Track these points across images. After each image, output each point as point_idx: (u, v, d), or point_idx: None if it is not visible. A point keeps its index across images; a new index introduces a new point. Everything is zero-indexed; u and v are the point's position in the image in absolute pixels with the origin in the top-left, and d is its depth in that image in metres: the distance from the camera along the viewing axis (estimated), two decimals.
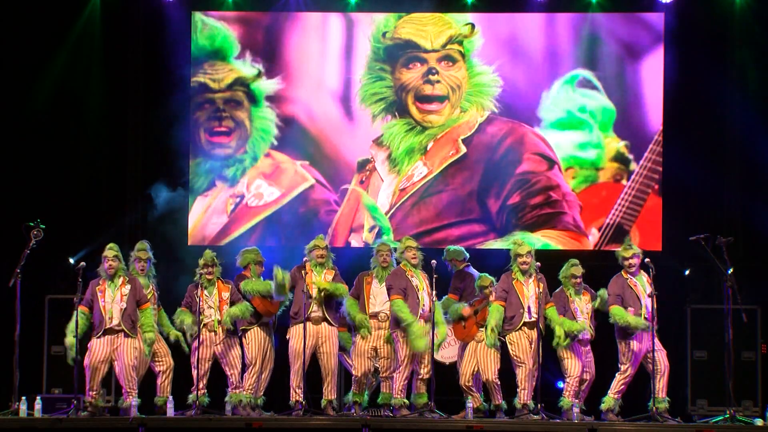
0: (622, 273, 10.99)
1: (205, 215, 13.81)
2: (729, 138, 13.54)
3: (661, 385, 10.79)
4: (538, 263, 10.99)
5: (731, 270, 10.88)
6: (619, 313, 10.75)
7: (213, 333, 11.02)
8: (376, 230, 13.67)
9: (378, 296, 11.15)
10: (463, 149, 13.72)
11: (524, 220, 13.60)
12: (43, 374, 12.45)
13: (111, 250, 10.97)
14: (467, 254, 11.71)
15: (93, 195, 13.54)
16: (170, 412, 10.74)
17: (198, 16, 13.95)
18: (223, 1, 13.91)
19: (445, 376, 11.77)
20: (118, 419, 10.79)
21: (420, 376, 11.03)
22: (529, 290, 10.89)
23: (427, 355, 10.88)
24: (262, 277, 11.32)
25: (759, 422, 10.72)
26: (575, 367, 10.88)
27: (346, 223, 13.74)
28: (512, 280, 10.97)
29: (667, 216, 13.43)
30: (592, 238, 13.58)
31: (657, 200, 13.54)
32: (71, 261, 11.40)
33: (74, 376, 10.90)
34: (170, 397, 10.84)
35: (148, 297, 11.05)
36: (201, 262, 11.08)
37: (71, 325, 10.81)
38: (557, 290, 11.07)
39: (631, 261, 10.94)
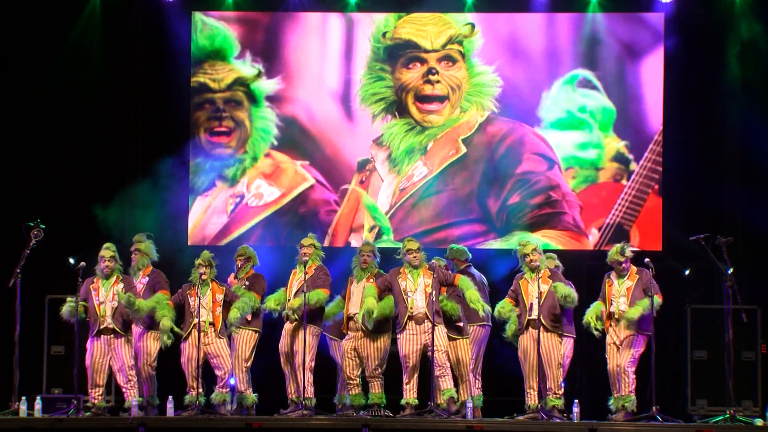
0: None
1: (205, 215, 13.82)
2: (729, 138, 13.54)
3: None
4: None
5: (731, 270, 10.88)
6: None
7: (203, 333, 10.89)
8: (376, 230, 13.67)
9: (356, 297, 11.14)
10: (463, 149, 13.72)
11: (524, 220, 13.60)
12: (43, 374, 12.45)
13: (108, 250, 11.01)
14: (470, 254, 11.69)
15: (93, 195, 13.52)
16: (170, 412, 10.73)
17: (198, 16, 13.96)
18: (223, 1, 13.92)
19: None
20: (118, 419, 10.79)
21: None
22: (535, 288, 10.86)
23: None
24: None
25: (759, 422, 10.71)
26: None
27: (346, 223, 13.75)
28: (519, 280, 10.98)
29: (667, 216, 13.43)
30: (592, 238, 13.58)
31: (657, 200, 13.54)
32: (71, 261, 11.38)
33: (74, 375, 10.91)
34: (170, 397, 10.83)
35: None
36: (197, 261, 11.01)
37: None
38: None
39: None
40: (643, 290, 10.79)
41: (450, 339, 11.00)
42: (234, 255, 11.52)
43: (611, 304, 10.86)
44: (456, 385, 11.01)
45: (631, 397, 10.70)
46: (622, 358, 10.76)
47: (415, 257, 10.97)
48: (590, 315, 10.84)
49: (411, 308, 10.86)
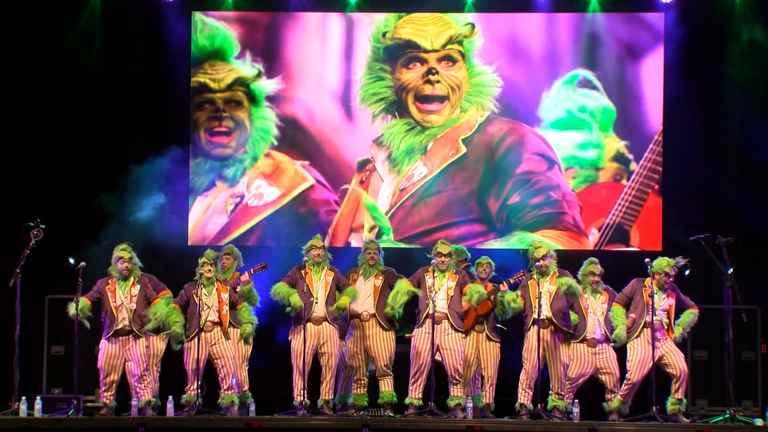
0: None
1: (205, 215, 13.82)
2: (729, 138, 13.55)
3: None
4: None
5: (731, 270, 10.88)
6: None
7: (209, 333, 10.89)
8: (376, 230, 13.67)
9: (362, 294, 11.13)
10: (463, 149, 13.73)
11: (524, 220, 13.61)
12: (43, 374, 12.44)
13: (125, 251, 10.89)
14: (469, 254, 11.69)
15: (93, 195, 13.52)
16: (170, 412, 10.73)
17: (198, 16, 13.96)
18: (223, 1, 13.92)
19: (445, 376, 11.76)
20: (118, 419, 10.78)
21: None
22: (543, 288, 10.83)
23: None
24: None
25: (759, 422, 10.72)
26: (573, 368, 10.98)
27: (346, 223, 13.75)
28: (529, 280, 10.95)
29: (667, 216, 13.44)
30: (592, 238, 13.59)
31: (657, 200, 13.55)
32: (71, 261, 11.37)
33: (74, 375, 10.90)
34: (170, 397, 10.82)
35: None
36: (201, 260, 10.93)
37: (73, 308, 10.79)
38: None
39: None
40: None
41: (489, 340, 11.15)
42: (222, 253, 11.54)
43: (649, 313, 10.76)
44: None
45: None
46: (684, 363, 10.86)
47: (443, 262, 10.97)
48: (622, 328, 10.81)
49: (431, 307, 10.85)
